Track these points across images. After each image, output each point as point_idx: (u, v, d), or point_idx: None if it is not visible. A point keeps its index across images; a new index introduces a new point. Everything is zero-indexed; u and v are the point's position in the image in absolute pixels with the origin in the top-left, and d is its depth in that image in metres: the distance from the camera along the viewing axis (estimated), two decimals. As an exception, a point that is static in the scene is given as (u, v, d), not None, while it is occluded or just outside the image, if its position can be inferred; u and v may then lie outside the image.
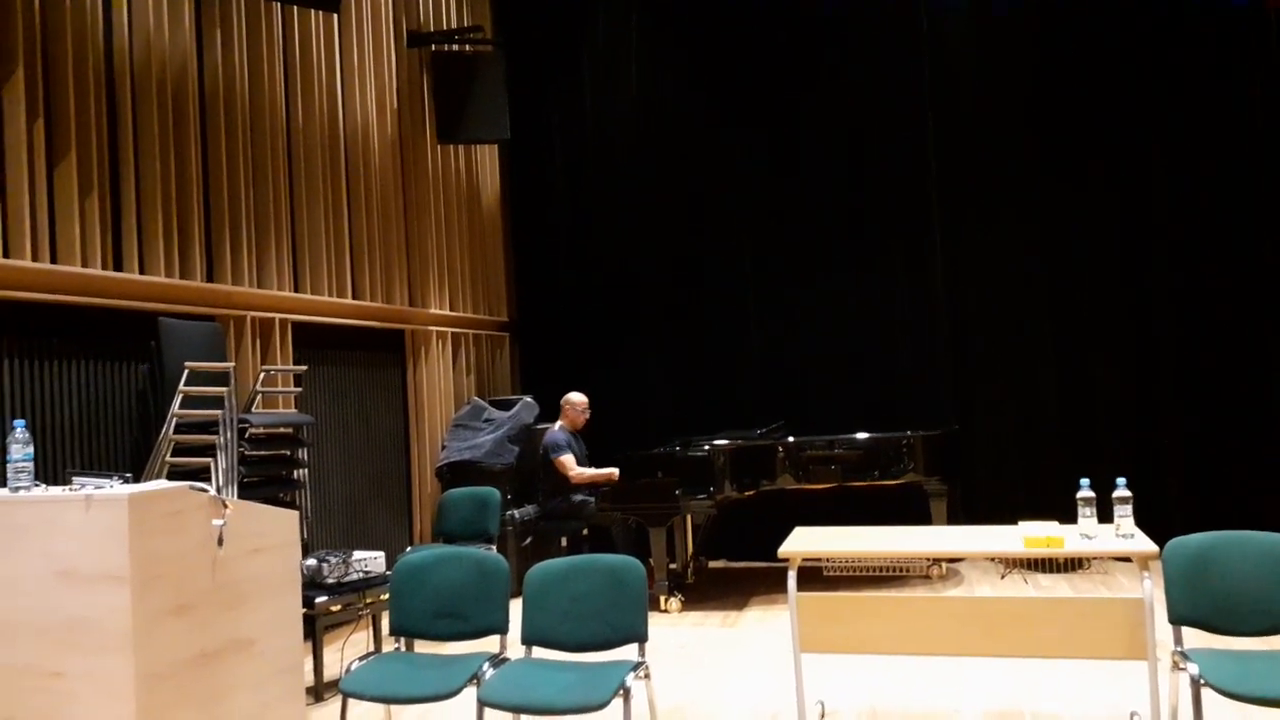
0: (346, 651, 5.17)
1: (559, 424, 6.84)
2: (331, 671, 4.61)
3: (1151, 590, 3.48)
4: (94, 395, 4.59)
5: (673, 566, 6.44)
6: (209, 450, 4.51)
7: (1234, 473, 6.70)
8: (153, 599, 2.99)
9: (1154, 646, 3.51)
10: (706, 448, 6.31)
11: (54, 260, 4.36)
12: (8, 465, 3.16)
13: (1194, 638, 3.38)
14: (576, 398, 6.89)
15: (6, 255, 4.11)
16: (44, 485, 3.23)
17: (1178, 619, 3.39)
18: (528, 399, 7.49)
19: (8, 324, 4.17)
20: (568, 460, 6.57)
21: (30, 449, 3.17)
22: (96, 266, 4.53)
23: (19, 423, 3.17)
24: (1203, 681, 3.11)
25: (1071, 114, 7.10)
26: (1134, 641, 3.54)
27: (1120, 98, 7.00)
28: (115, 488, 3.04)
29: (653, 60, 8.16)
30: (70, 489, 3.05)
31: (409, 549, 6.16)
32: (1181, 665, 3.22)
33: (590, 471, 6.60)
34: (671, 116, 8.06)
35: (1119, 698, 4.18)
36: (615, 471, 6.50)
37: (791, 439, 6.46)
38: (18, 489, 3.12)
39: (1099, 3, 7.03)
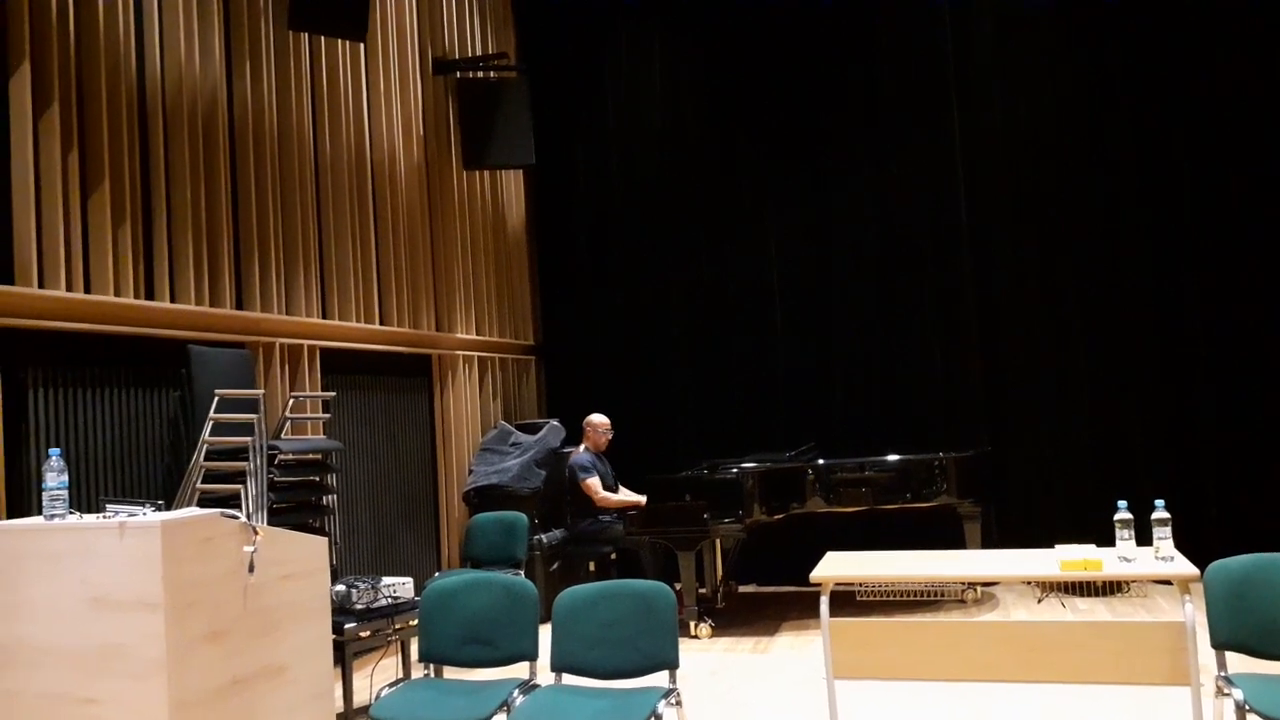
0: (376, 678, 5.15)
1: (583, 446, 6.85)
2: (361, 698, 4.60)
3: (1193, 614, 3.41)
4: (126, 423, 4.63)
5: (702, 591, 6.39)
6: (239, 477, 4.54)
7: (1274, 493, 6.57)
8: (186, 626, 3.00)
9: (1197, 671, 3.44)
10: (735, 470, 6.27)
11: (87, 290, 4.41)
12: (43, 493, 3.18)
13: (1238, 662, 3.31)
14: (598, 419, 6.89)
15: (42, 285, 4.17)
16: (78, 513, 3.25)
17: (1221, 643, 3.33)
18: (554, 422, 7.49)
19: (43, 353, 4.21)
20: (594, 483, 6.55)
21: (65, 477, 3.20)
22: (129, 295, 4.58)
23: (54, 451, 3.19)
24: (1248, 707, 3.04)
25: (1104, 138, 7.05)
26: (1176, 666, 3.46)
27: (1153, 120, 6.94)
28: (148, 515, 3.05)
29: (676, 84, 8.20)
30: (104, 516, 3.07)
31: (437, 574, 6.16)
32: (1226, 691, 3.16)
33: (616, 497, 6.59)
34: (696, 139, 8.08)
35: (1161, 724, 4.10)
36: (643, 500, 6.46)
37: (821, 461, 6.41)
38: (53, 516, 3.15)
39: (1124, 28, 6.99)
